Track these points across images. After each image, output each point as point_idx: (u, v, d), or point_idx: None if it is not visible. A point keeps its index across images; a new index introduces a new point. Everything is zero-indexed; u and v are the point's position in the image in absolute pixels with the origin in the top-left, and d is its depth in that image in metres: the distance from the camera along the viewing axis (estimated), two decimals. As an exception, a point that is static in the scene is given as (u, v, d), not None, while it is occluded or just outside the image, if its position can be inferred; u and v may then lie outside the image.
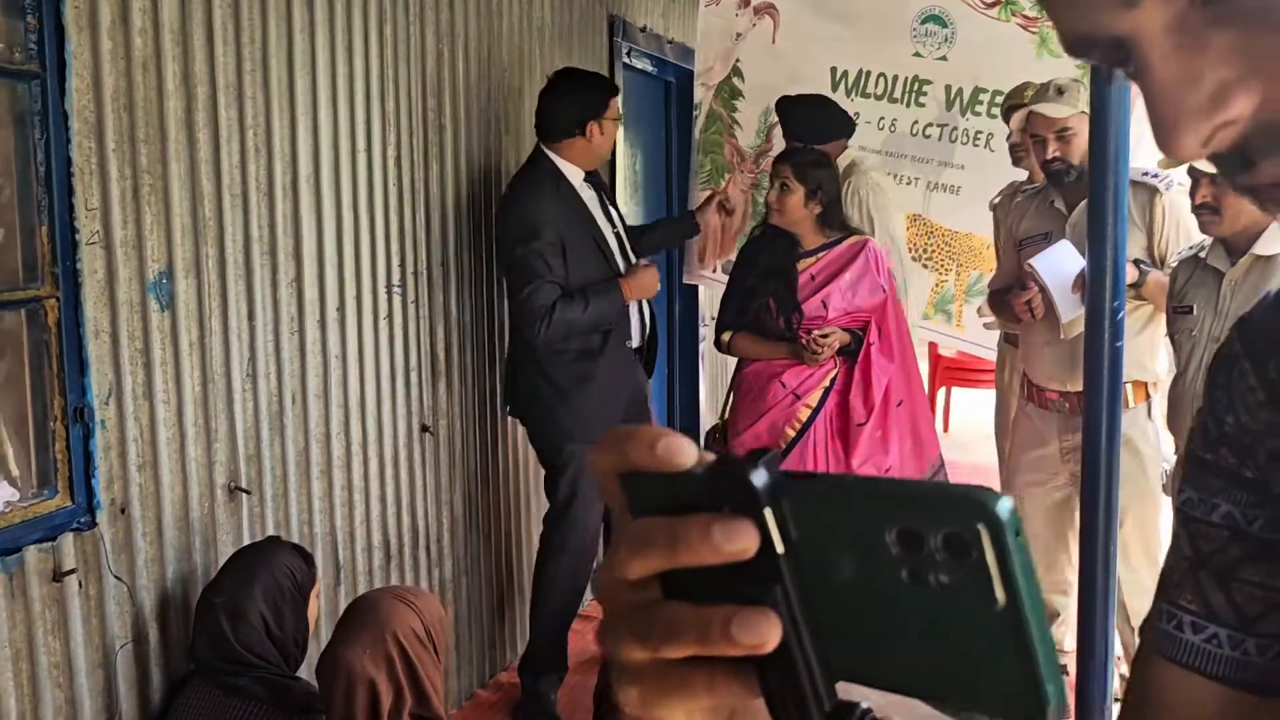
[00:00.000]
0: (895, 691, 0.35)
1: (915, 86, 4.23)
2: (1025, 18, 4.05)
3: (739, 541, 0.33)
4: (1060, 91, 3.11)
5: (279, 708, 2.10)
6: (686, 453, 0.35)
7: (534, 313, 3.02)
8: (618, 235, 3.17)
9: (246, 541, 2.38)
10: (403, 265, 2.97)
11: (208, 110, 2.27)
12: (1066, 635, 3.33)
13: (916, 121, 4.23)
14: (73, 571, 2.00)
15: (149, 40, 2.11)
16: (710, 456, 0.37)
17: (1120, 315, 2.76)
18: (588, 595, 3.81)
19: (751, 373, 3.23)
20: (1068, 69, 3.83)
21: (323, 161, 2.63)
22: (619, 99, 3.11)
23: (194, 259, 2.26)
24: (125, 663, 2.14)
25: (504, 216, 3.14)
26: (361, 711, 1.97)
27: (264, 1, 2.41)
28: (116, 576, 2.11)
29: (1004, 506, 0.30)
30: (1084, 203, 2.89)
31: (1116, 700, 3.14)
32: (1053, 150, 3.09)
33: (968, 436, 6.85)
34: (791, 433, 3.12)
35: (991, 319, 3.71)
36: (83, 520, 2.03)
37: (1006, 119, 3.62)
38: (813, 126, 3.80)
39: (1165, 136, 0.41)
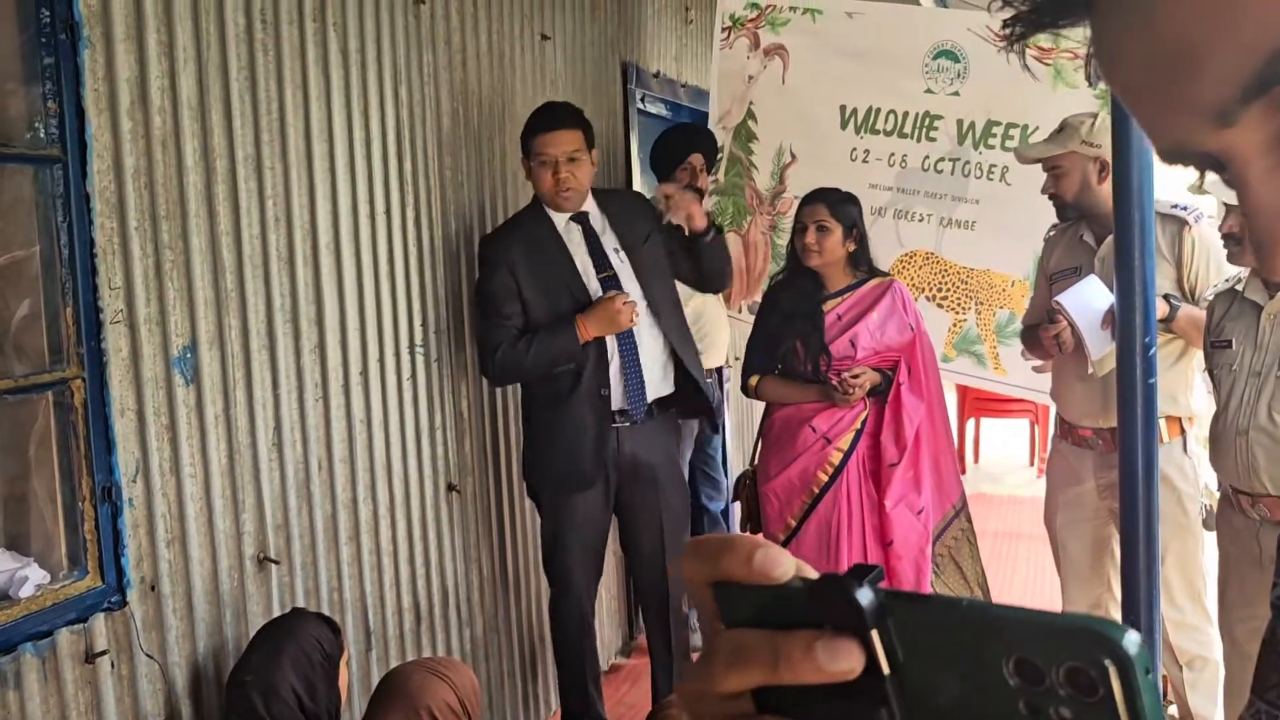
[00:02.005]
0: None
1: (926, 122, 4.22)
2: (1040, 49, 4.04)
3: (844, 662, 0.34)
4: (1061, 130, 3.12)
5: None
6: (784, 565, 0.36)
7: (483, 353, 3.01)
8: (610, 276, 3.03)
9: (276, 612, 2.36)
10: (424, 324, 2.97)
11: (227, 183, 2.28)
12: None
13: (928, 157, 4.22)
14: (105, 653, 1.99)
15: (167, 118, 2.12)
16: (807, 569, 0.37)
17: (1152, 351, 2.73)
18: (603, 653, 3.78)
19: (781, 418, 3.19)
20: (1085, 100, 3.83)
21: (342, 227, 2.64)
22: (547, 136, 2.95)
23: (217, 331, 2.26)
24: (157, 743, 2.12)
25: None
26: (397, 788, 1.94)
27: (280, 72, 2.42)
28: (148, 655, 2.09)
29: (1132, 641, 0.30)
30: (1109, 239, 2.87)
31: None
32: (1048, 186, 3.10)
33: (999, 468, 6.80)
34: (824, 477, 3.09)
35: (1041, 363, 3.63)
36: (113, 600, 2.02)
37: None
38: (676, 153, 4.01)
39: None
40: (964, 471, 6.56)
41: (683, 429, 3.87)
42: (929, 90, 4.21)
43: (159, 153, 2.11)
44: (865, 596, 0.34)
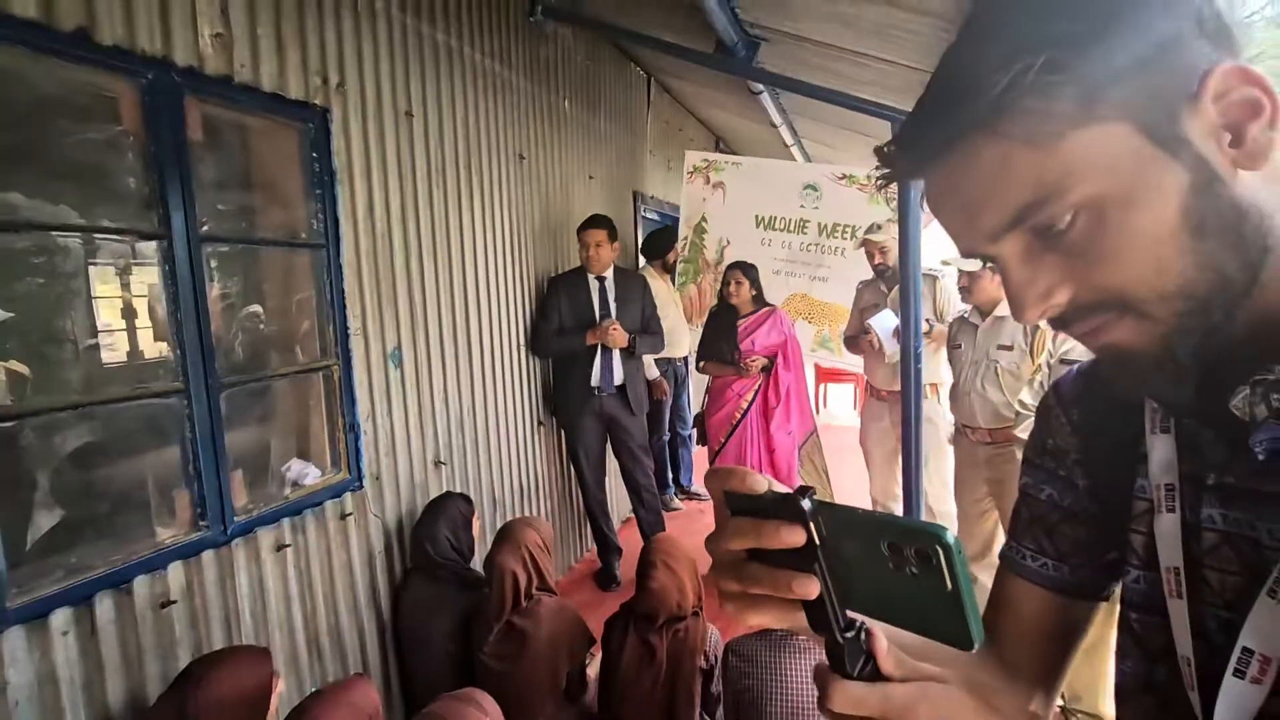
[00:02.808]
0: (880, 621, 0.37)
1: (800, 224, 4.20)
2: (860, 185, 4.04)
3: (794, 537, 0.37)
4: (879, 227, 3.12)
5: (461, 588, 2.08)
6: (761, 484, 0.39)
7: (534, 338, 3.00)
8: (606, 313, 2.99)
9: (439, 492, 2.37)
10: (523, 331, 2.98)
11: (416, 258, 2.27)
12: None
13: (803, 242, 4.19)
14: (351, 514, 2.00)
15: (383, 220, 2.12)
16: (778, 485, 0.40)
17: (919, 349, 2.73)
18: (616, 516, 3.78)
19: (717, 384, 3.21)
20: (884, 213, 3.82)
21: (480, 281, 2.63)
22: (586, 229, 2.95)
23: (412, 340, 2.26)
24: (378, 563, 2.12)
25: None
26: (508, 589, 1.93)
27: (445, 197, 2.41)
28: (375, 515, 2.10)
29: (951, 537, 0.33)
30: (897, 287, 2.88)
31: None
32: (877, 260, 3.11)
33: (837, 410, 6.78)
34: (738, 415, 3.10)
35: (857, 354, 3.65)
36: (355, 485, 2.03)
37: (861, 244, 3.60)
38: (662, 243, 4.08)
39: (1016, 311, 0.42)
40: (818, 411, 6.57)
41: (668, 396, 3.93)
42: (802, 206, 4.19)
43: (380, 242, 2.11)
44: (806, 504, 0.37)
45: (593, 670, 2.20)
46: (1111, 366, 0.44)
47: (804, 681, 1.51)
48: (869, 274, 3.38)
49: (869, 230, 3.16)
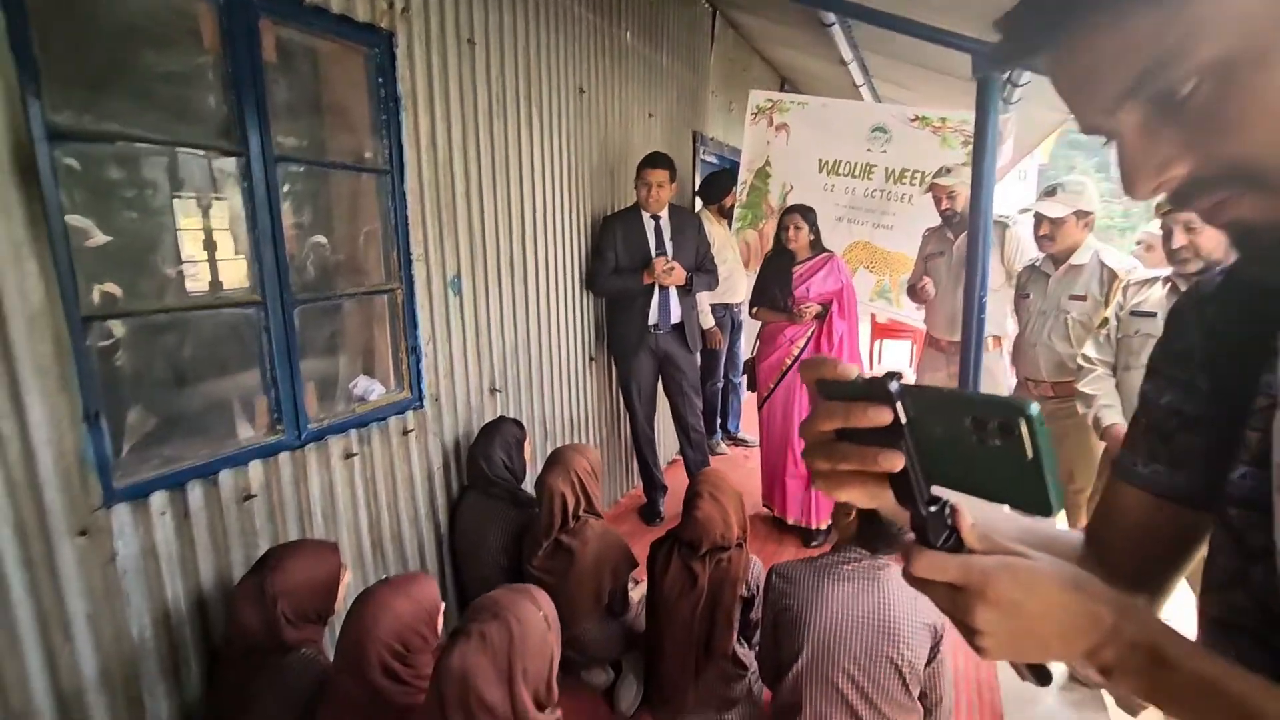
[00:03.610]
0: (967, 492, 0.38)
1: (867, 168, 4.04)
2: (934, 127, 3.82)
3: (882, 416, 0.38)
4: (949, 171, 2.96)
5: (513, 506, 2.17)
6: (851, 370, 0.41)
7: (590, 276, 3.00)
8: (662, 252, 2.94)
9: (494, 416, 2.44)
10: (578, 266, 3.00)
11: (476, 189, 2.30)
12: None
13: (867, 189, 4.05)
14: (412, 430, 2.10)
15: (445, 149, 2.15)
16: (866, 372, 0.41)
17: (984, 298, 2.63)
18: (663, 455, 3.82)
19: (768, 330, 3.16)
20: (958, 156, 3.62)
21: (539, 213, 2.65)
22: (646, 169, 2.88)
23: (471, 269, 2.30)
24: (437, 479, 2.22)
25: None
26: (557, 510, 2.01)
27: (505, 129, 2.42)
28: (434, 433, 2.20)
29: (1035, 408, 0.34)
30: (965, 234, 2.75)
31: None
32: (945, 206, 2.95)
33: (891, 367, 6.63)
34: (789, 361, 3.05)
35: (917, 303, 3.53)
36: (416, 404, 2.12)
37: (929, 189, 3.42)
38: (721, 187, 3.92)
39: (1128, 185, 0.41)
40: (870, 368, 6.43)
41: (722, 345, 3.90)
42: (869, 150, 4.02)
43: (442, 170, 2.14)
44: (894, 386, 0.38)
45: (636, 594, 2.29)
46: (1242, 247, 0.42)
47: (844, 606, 1.53)
48: (935, 222, 3.23)
49: (938, 174, 3.00)
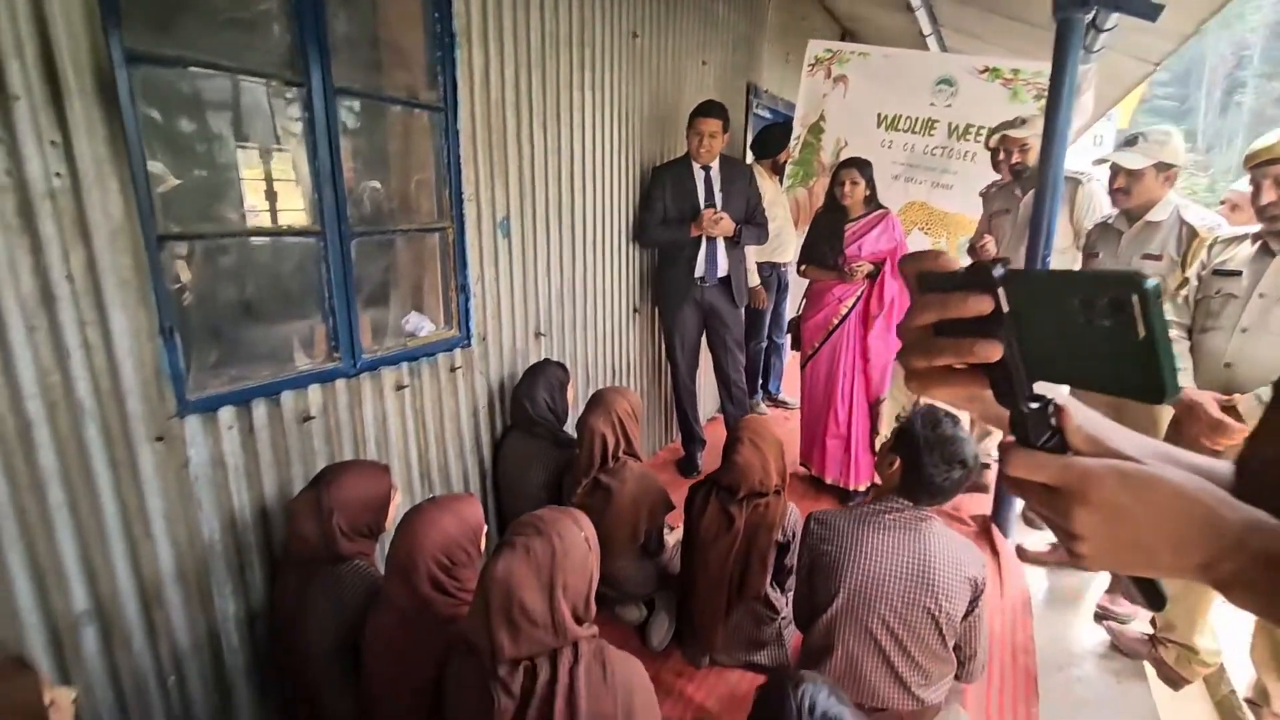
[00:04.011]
0: (1073, 385, 0.35)
1: (928, 124, 3.87)
2: (1004, 79, 3.62)
3: (982, 305, 0.37)
4: (1024, 122, 2.80)
5: (555, 445, 2.23)
6: (953, 262, 0.39)
7: (638, 227, 2.99)
8: (710, 202, 2.89)
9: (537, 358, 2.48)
10: (626, 216, 2.98)
11: (528, 130, 2.30)
12: (994, 447, 3.15)
13: (928, 145, 3.88)
14: (459, 368, 2.15)
15: (498, 89, 2.14)
16: (966, 262, 0.40)
17: (1048, 257, 2.52)
18: (703, 411, 3.83)
19: (816, 288, 3.10)
20: (1029, 109, 3.43)
21: (587, 158, 2.64)
22: (700, 117, 2.80)
23: (520, 212, 2.32)
24: (481, 417, 2.28)
25: None
26: (597, 449, 2.04)
27: (558, 71, 2.40)
28: (480, 372, 2.25)
29: (1151, 282, 0.32)
30: (1032, 190, 2.61)
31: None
32: (1015, 159, 2.80)
33: (942, 338, 6.44)
34: (835, 320, 2.99)
35: None
36: (464, 342, 2.16)
37: (989, 144, 3.24)
38: (775, 141, 3.77)
39: None
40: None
41: (767, 304, 3.84)
42: (932, 104, 3.83)
43: (494, 110, 2.14)
44: (997, 270, 0.36)
45: (672, 539, 2.33)
46: None
47: (883, 554, 1.52)
48: (998, 181, 3.08)
49: (1011, 124, 2.83)
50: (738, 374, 3.19)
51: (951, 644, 1.55)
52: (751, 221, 3.04)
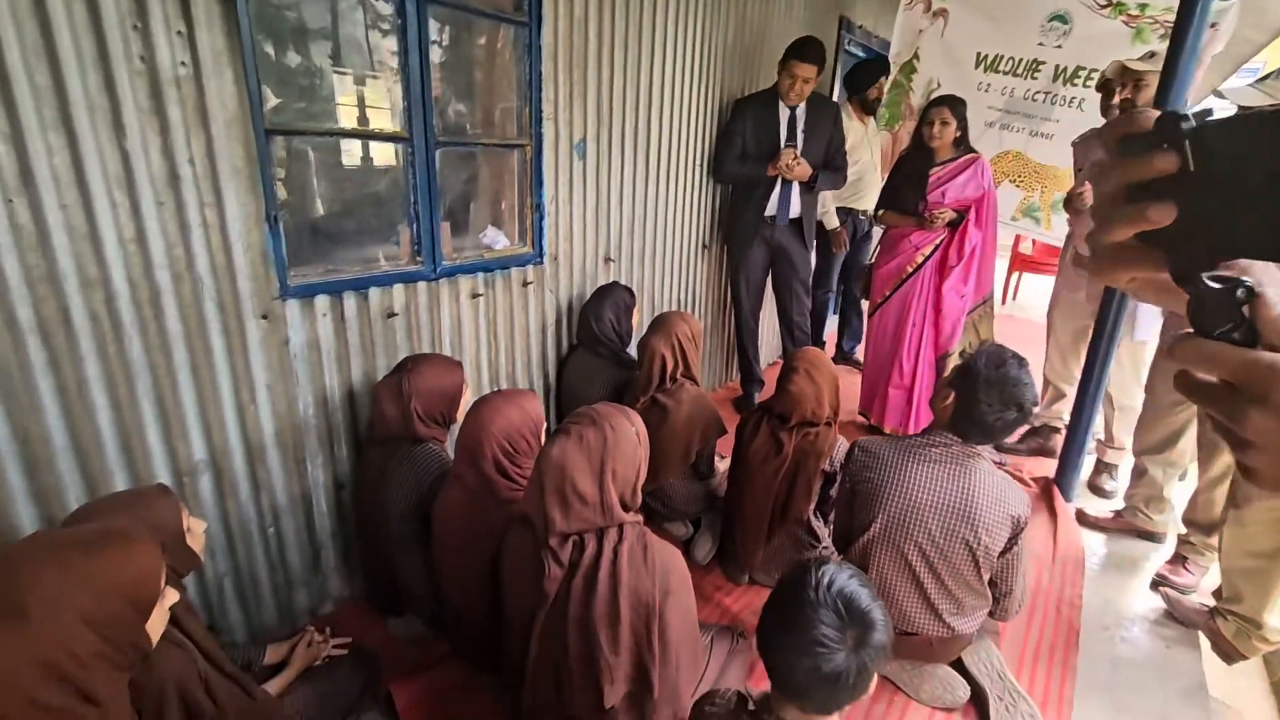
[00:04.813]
0: (1261, 258, 0.29)
1: (1033, 65, 3.56)
2: (1129, 15, 3.27)
3: (1165, 163, 0.32)
4: (1152, 55, 2.54)
5: (616, 365, 2.29)
6: (1151, 118, 0.33)
7: (716, 161, 2.94)
8: (791, 145, 2.80)
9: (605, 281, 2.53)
10: (703, 150, 2.94)
11: (609, 52, 2.28)
12: (1066, 410, 3.00)
13: (1029, 90, 3.59)
14: (530, 283, 2.22)
15: (580, 7, 2.13)
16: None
17: (1151, 211, 2.33)
18: (765, 355, 3.79)
19: (892, 234, 2.97)
20: (1152, 48, 3.11)
21: (667, 87, 2.60)
22: (798, 61, 2.64)
23: (597, 133, 2.32)
24: (549, 333, 2.35)
25: None
26: (656, 369, 2.08)
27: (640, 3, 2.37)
28: (549, 290, 2.31)
29: None
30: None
31: (1090, 454, 2.86)
32: (1126, 94, 2.55)
33: (1026, 303, 6.07)
34: (910, 269, 2.88)
35: (1074, 222, 3.15)
36: (536, 260, 2.22)
37: (1100, 86, 2.95)
38: (867, 77, 3.49)
39: None
40: (1003, 302, 5.92)
41: (843, 249, 3.71)
42: (1040, 43, 3.52)
43: (577, 28, 2.13)
44: (1186, 123, 0.31)
45: (722, 465, 2.38)
46: None
47: (926, 485, 1.52)
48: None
49: (1152, 59, 2.54)
50: (802, 316, 3.15)
51: (986, 578, 1.55)
52: (829, 165, 2.94)
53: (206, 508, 1.53)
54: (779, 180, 2.86)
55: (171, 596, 0.97)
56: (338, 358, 1.71)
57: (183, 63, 1.31)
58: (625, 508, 1.26)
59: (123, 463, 1.37)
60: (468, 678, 1.59)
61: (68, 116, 1.19)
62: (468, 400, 1.75)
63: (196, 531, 1.22)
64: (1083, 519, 2.58)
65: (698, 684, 1.40)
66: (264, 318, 1.54)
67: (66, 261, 1.23)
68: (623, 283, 2.62)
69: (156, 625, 0.94)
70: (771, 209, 2.92)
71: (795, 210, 2.95)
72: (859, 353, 4.07)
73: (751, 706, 0.98)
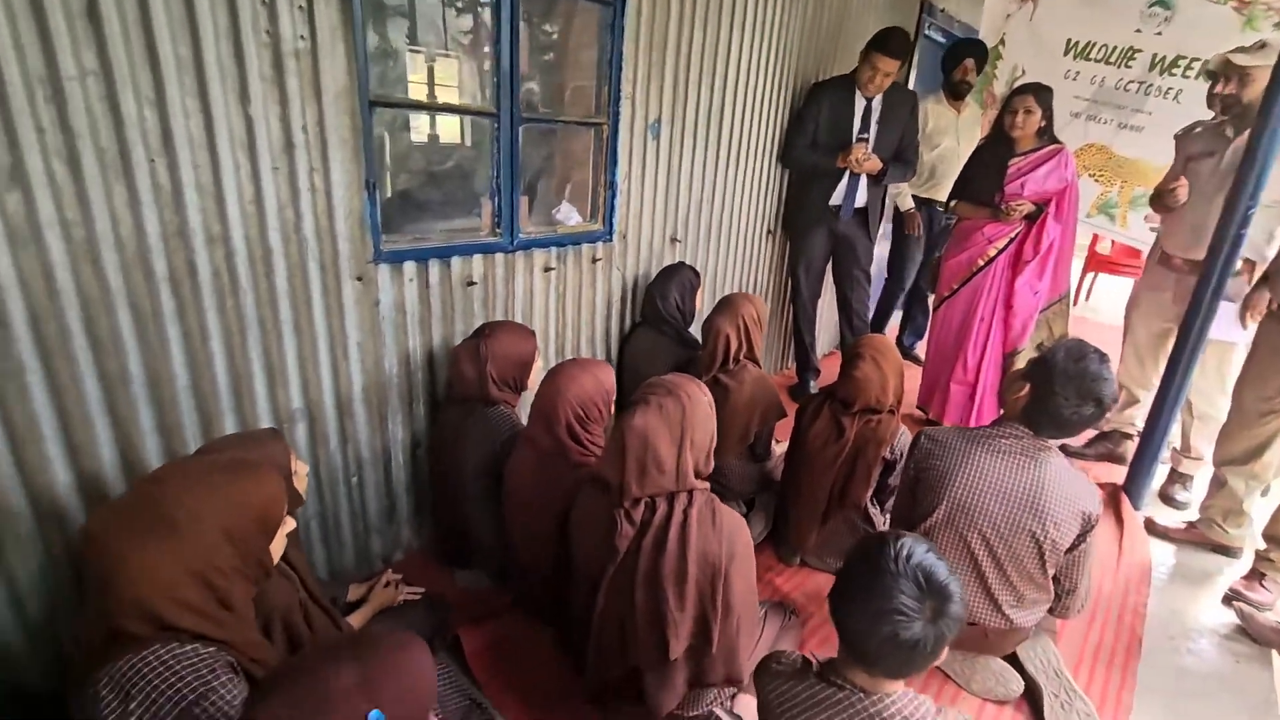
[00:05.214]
0: None
1: (1128, 54, 3.40)
2: (1239, 1, 3.08)
3: None
4: (1263, 45, 2.40)
5: (680, 343, 2.34)
6: None
7: (785, 147, 2.94)
8: (863, 137, 2.78)
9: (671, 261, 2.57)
10: (774, 136, 2.93)
11: (688, 33, 2.30)
12: (1138, 416, 2.91)
13: (1121, 79, 3.42)
14: (599, 259, 2.29)
15: None
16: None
17: (1251, 211, 2.23)
18: (821, 343, 3.76)
19: (964, 226, 2.91)
20: (1264, 37, 2.93)
21: (742, 71, 2.61)
22: (881, 54, 2.62)
23: (671, 115, 2.35)
24: (614, 309, 2.42)
25: None
26: (720, 349, 2.11)
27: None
28: (617, 268, 2.38)
29: None
30: (1248, 131, 2.28)
31: (1163, 463, 2.76)
32: (1229, 88, 2.42)
33: (1099, 305, 5.83)
34: (981, 262, 2.82)
35: (1156, 222, 3.02)
36: (606, 237, 2.28)
37: (1208, 67, 2.76)
38: (958, 57, 3.38)
39: None
40: (1076, 303, 5.69)
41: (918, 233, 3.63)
42: (1138, 30, 3.35)
43: (660, 8, 2.16)
44: None
45: (779, 449, 2.41)
46: None
47: (994, 476, 1.52)
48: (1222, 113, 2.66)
49: (1250, 48, 2.41)
50: (861, 305, 3.13)
51: (1051, 573, 1.54)
52: (900, 158, 2.90)
53: (301, 454, 1.66)
54: (847, 170, 2.84)
55: (289, 524, 1.08)
56: (420, 321, 1.82)
57: (302, 36, 1.41)
58: (698, 474, 1.32)
59: (233, 405, 1.51)
60: (530, 628, 1.68)
61: (203, 84, 1.30)
62: (538, 368, 1.84)
63: (300, 473, 1.33)
64: (1152, 528, 2.51)
65: (753, 650, 1.45)
66: (359, 279, 1.65)
67: (195, 218, 1.35)
68: (691, 263, 2.68)
69: (278, 547, 1.05)
70: (837, 199, 2.91)
71: (861, 201, 2.93)
72: (919, 349, 3.99)
73: (817, 668, 1.03)
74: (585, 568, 1.38)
